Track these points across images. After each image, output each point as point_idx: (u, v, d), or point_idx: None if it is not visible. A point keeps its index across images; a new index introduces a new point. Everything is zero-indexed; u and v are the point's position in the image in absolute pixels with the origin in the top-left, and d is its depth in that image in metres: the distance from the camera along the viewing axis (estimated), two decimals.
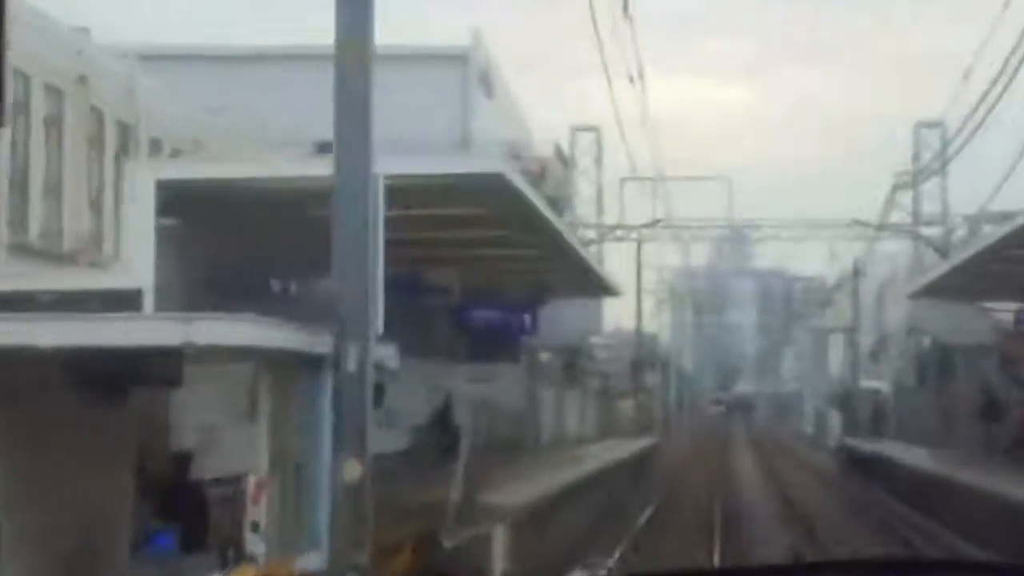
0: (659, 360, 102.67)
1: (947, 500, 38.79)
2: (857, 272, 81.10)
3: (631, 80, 34.53)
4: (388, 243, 28.83)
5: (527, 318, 39.28)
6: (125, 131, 38.88)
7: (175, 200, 23.64)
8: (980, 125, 43.43)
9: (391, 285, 28.86)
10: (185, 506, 17.91)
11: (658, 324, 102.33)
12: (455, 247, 33.01)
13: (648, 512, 42.07)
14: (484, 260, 36.25)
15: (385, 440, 39.35)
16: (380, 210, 22.86)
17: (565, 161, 60.67)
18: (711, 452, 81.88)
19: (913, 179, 56.53)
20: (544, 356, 60.58)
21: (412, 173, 22.97)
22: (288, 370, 18.23)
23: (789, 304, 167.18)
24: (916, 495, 44.13)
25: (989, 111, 40.26)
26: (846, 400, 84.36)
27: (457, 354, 50.75)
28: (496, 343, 51.85)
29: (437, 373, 45.34)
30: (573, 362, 71.84)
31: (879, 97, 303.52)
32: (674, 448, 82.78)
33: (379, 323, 22.73)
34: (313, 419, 18.33)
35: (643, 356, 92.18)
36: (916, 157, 57.55)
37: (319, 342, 17.73)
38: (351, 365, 17.47)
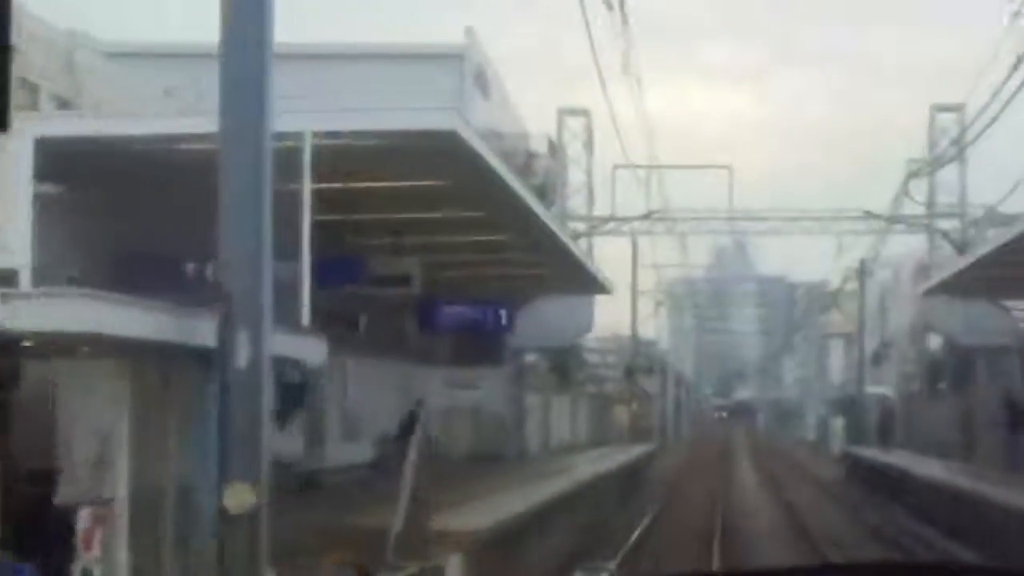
0: (657, 364, 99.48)
1: (960, 513, 35.57)
2: (863, 271, 77.43)
3: (608, 5, 30.26)
4: (331, 224, 24.84)
5: (504, 315, 35.07)
6: (65, 107, 35.46)
7: (63, 163, 19.70)
8: (1002, 110, 39.51)
9: (334, 270, 24.98)
10: (32, 538, 13.95)
11: (655, 327, 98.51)
12: (416, 230, 28.90)
13: (639, 531, 38.05)
14: (452, 247, 32.15)
15: (345, 451, 35.60)
16: (306, 173, 18.90)
17: (556, 153, 56.68)
18: (710, 462, 78.33)
19: (929, 167, 52.11)
20: (531, 359, 56.68)
21: (343, 130, 19.01)
22: (164, 366, 14.24)
23: (790, 307, 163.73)
24: (929, 507, 40.49)
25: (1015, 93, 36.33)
26: (850, 406, 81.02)
27: (435, 356, 47.01)
28: (478, 344, 48.15)
29: (410, 376, 41.70)
30: (564, 365, 68.04)
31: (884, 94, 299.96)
32: (671, 457, 79.33)
33: (304, 312, 18.83)
34: (198, 430, 14.34)
35: (639, 360, 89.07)
36: (932, 144, 53.28)
37: (204, 330, 13.73)
38: (241, 360, 13.44)
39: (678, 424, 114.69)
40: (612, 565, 28.89)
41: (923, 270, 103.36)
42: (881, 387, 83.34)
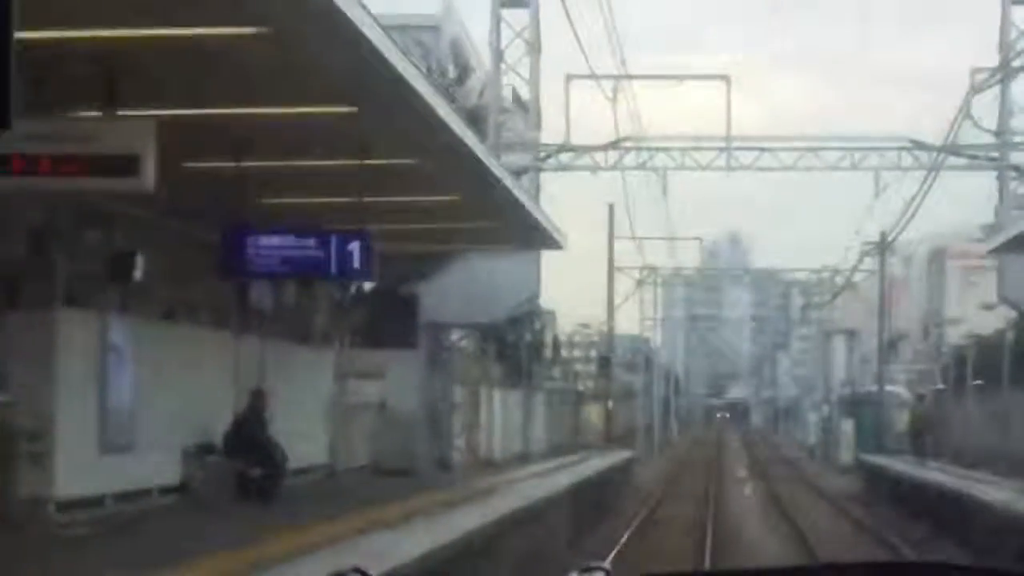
0: (639, 355, 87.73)
1: None
2: (884, 244, 65.44)
3: None
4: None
5: (356, 252, 20.88)
6: None
7: None
8: None
9: None
10: None
11: (640, 312, 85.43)
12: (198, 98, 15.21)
13: None
14: (267, 128, 18.56)
15: (109, 471, 22.47)
16: None
17: (525, 107, 43.23)
18: (698, 473, 66.06)
19: (1000, 78, 38.03)
20: (465, 341, 43.23)
21: None
22: None
23: (789, 299, 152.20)
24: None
25: None
26: (865, 407, 68.82)
27: (308, 329, 33.93)
28: (381, 315, 35.55)
29: (262, 356, 28.91)
30: (515, 353, 54.78)
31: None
32: (654, 468, 66.89)
33: None
34: None
35: (619, 351, 77.47)
36: (1004, 47, 38.93)
37: None
38: None
39: (665, 427, 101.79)
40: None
41: (939, 254, 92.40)
42: (898, 385, 74.19)
